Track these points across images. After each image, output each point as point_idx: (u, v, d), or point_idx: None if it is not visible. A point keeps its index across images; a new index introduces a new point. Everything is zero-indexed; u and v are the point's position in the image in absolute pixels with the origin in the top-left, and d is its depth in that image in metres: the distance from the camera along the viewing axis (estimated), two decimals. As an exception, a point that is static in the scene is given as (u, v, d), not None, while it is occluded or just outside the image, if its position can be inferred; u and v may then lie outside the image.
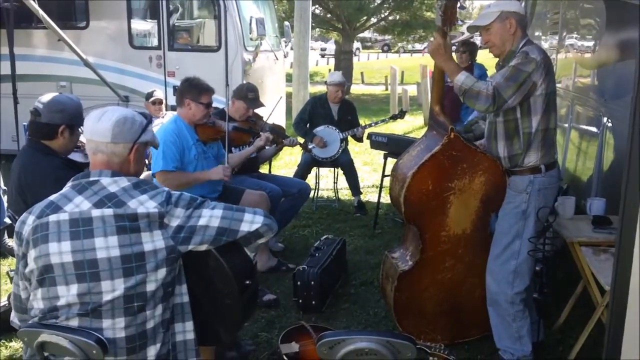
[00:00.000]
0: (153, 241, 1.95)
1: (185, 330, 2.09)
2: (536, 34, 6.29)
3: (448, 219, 3.25)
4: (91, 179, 2.02)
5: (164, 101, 6.29)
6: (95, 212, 1.94)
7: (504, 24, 3.01)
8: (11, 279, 3.15)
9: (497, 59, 3.18)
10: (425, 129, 3.69)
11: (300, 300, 4.00)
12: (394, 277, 3.41)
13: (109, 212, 1.94)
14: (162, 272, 1.96)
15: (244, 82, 6.03)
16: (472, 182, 3.18)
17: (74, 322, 1.93)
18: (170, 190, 2.07)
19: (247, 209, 2.17)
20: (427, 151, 3.20)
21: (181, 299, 2.08)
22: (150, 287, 1.95)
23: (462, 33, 3.53)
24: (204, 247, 2.06)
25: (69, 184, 2.05)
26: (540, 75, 2.90)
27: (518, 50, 3.00)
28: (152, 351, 1.98)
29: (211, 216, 2.05)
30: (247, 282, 2.24)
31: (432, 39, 3.24)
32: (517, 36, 3.03)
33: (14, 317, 2.15)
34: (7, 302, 3.61)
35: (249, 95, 4.78)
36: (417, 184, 3.17)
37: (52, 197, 2.02)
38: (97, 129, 2.05)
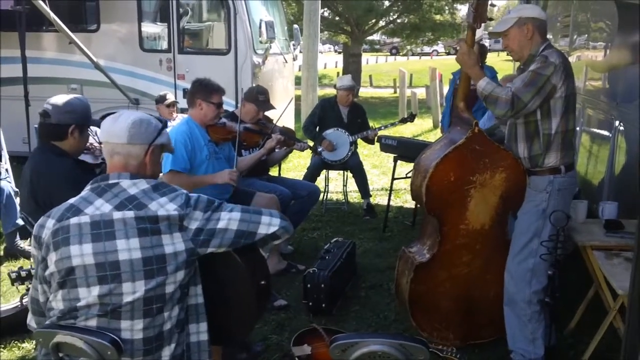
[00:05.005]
0: (173, 243, 1.96)
1: (199, 331, 2.09)
2: (547, 36, 6.25)
3: (468, 212, 3.30)
4: (110, 181, 2.02)
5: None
6: (117, 215, 1.95)
7: (522, 29, 3.10)
8: (12, 280, 3.14)
9: (518, 63, 3.27)
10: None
11: (310, 303, 4.00)
12: (411, 269, 3.45)
13: (130, 214, 1.95)
14: (181, 274, 1.97)
15: (254, 85, 6.04)
16: (493, 178, 3.23)
17: (93, 323, 1.93)
18: (188, 193, 2.07)
19: (264, 210, 2.16)
20: (451, 144, 3.29)
21: (196, 300, 2.08)
22: (169, 288, 1.96)
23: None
24: (222, 250, 2.06)
25: (88, 187, 2.06)
26: (559, 78, 2.97)
27: (538, 54, 3.07)
28: (166, 352, 1.99)
29: (230, 219, 2.05)
30: (263, 282, 2.25)
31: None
32: (535, 41, 3.11)
33: (30, 320, 2.14)
34: (19, 304, 3.62)
35: (259, 97, 4.79)
36: (440, 175, 3.24)
37: (72, 200, 2.03)
38: (114, 130, 2.06)
